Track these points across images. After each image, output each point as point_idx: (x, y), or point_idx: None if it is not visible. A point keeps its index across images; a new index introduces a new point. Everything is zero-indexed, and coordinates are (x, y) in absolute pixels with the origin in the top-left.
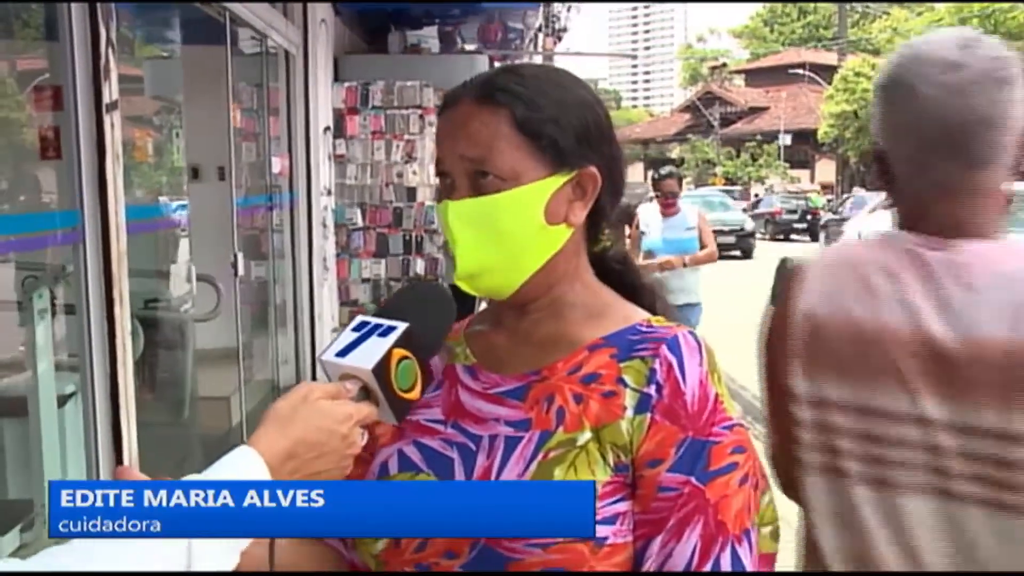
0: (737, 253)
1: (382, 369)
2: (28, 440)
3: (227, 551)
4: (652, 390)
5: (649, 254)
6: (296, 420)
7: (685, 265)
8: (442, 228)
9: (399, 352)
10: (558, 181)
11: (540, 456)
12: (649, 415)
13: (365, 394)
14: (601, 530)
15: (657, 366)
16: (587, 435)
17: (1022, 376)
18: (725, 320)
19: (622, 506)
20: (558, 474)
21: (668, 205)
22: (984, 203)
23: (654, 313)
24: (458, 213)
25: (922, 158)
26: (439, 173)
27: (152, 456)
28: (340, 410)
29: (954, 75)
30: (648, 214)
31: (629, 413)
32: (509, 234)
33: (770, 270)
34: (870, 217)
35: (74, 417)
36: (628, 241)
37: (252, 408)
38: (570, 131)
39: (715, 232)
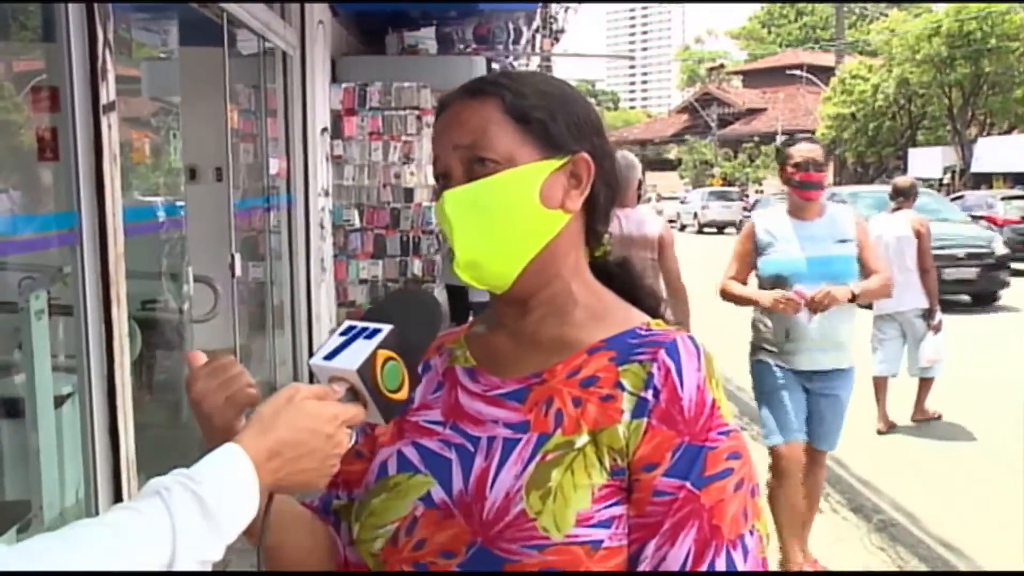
0: (967, 298)
1: (367, 370)
2: (25, 441)
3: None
4: (649, 395)
5: (779, 281)
6: (279, 421)
7: (853, 299)
8: (440, 222)
9: (384, 353)
10: (552, 165)
11: (538, 458)
12: (646, 419)
13: (353, 396)
14: (597, 533)
15: (655, 370)
16: (584, 438)
17: (645, 243)
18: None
19: (618, 510)
20: (555, 476)
21: (807, 196)
22: (631, 198)
23: (655, 317)
24: (455, 200)
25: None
26: (436, 175)
27: (150, 457)
28: (325, 411)
29: (621, 164)
30: (771, 218)
31: (626, 417)
32: (505, 217)
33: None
34: (891, 216)
35: (71, 418)
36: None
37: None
38: (559, 119)
39: (948, 260)
